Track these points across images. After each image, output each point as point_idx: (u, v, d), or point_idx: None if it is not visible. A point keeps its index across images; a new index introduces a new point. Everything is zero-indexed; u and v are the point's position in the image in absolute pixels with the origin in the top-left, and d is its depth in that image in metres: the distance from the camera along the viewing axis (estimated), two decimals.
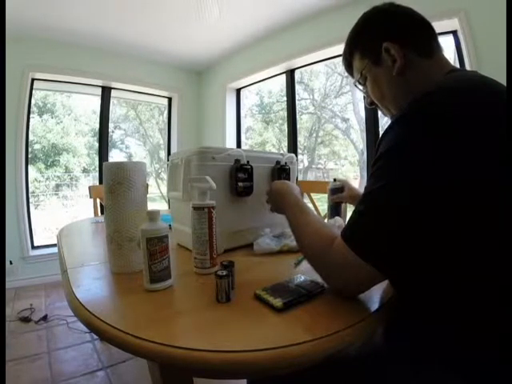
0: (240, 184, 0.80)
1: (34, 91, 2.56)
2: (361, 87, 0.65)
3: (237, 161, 0.81)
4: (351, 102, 2.70)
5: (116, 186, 0.62)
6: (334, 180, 1.09)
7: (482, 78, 0.47)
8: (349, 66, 0.66)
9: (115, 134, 3.42)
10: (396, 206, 0.41)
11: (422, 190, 0.40)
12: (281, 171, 0.92)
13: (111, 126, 3.11)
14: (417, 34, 0.55)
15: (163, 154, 3.64)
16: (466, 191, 0.39)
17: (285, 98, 2.74)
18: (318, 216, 0.59)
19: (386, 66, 0.56)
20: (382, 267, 0.43)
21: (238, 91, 3.18)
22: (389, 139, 0.45)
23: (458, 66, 1.68)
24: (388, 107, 0.62)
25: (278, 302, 0.46)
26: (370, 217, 0.44)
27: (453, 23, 1.69)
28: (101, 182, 2.78)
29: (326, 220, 1.04)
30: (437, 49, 0.55)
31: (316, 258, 0.51)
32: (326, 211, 1.44)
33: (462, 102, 0.41)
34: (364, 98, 0.68)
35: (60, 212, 3.07)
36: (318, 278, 0.51)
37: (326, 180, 2.55)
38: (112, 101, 3.00)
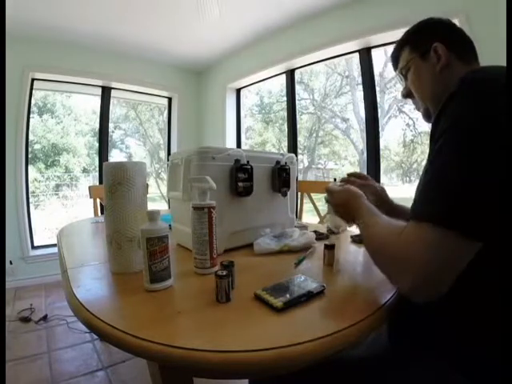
0: (240, 184, 0.80)
1: (34, 91, 2.56)
2: (402, 77, 0.70)
3: (237, 161, 0.81)
4: (351, 101, 2.70)
5: (116, 186, 0.62)
6: (335, 180, 1.09)
7: None
8: (395, 60, 0.71)
9: (115, 134, 3.42)
10: (474, 180, 0.38)
11: (491, 167, 0.38)
12: (281, 171, 0.92)
13: (111, 126, 3.11)
14: (462, 43, 0.62)
15: (163, 154, 3.64)
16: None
17: (285, 98, 2.74)
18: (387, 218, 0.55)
19: (431, 62, 0.61)
20: (468, 230, 0.38)
21: (238, 91, 3.18)
22: (455, 113, 0.42)
23: None
24: (423, 99, 0.65)
25: (277, 302, 0.46)
26: (445, 191, 0.40)
27: None
28: (101, 182, 2.78)
29: (327, 215, 1.01)
30: (475, 60, 0.62)
31: (387, 253, 0.47)
32: (325, 211, 1.44)
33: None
34: (403, 88, 0.71)
35: (60, 212, 3.07)
36: (318, 278, 0.51)
37: (326, 180, 2.55)
38: (112, 101, 3.00)
